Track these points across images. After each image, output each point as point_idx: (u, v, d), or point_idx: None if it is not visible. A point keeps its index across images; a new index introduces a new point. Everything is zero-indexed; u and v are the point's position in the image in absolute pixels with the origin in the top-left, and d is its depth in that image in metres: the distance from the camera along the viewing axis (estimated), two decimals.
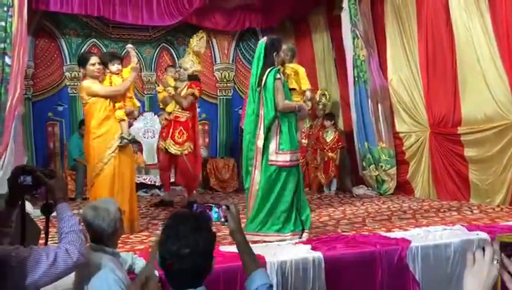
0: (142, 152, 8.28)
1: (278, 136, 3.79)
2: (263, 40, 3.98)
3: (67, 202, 1.92)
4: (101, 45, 8.44)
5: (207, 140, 9.21)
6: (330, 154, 7.53)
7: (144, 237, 4.17)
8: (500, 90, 5.54)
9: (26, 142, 7.43)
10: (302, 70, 5.81)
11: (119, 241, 2.62)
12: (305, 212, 3.88)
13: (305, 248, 3.42)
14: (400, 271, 3.42)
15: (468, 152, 5.97)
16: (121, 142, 4.31)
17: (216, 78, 9.29)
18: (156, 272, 2.67)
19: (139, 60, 6.31)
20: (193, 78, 6.13)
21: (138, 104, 5.15)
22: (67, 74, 8.24)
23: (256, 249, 3.04)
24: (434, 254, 3.55)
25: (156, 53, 8.89)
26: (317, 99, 8.00)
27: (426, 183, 6.67)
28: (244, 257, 2.00)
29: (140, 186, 7.40)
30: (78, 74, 7.72)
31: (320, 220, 4.98)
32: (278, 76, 3.83)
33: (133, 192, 4.50)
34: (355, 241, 3.63)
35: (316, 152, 7.78)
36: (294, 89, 5.31)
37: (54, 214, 1.90)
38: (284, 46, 4.13)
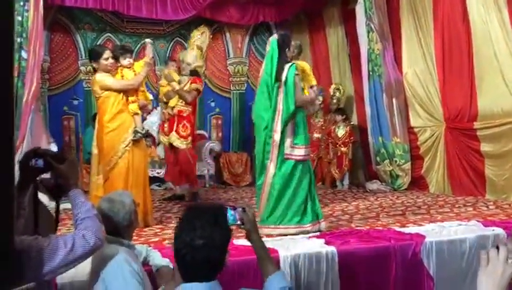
0: (155, 146, 8.33)
1: (293, 131, 3.90)
2: (274, 37, 4.08)
3: (79, 188, 1.90)
4: (116, 39, 8.49)
5: (220, 134, 9.23)
6: (343, 148, 7.50)
7: (158, 230, 4.21)
8: None
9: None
10: (308, 67, 5.83)
11: (133, 234, 2.64)
12: (316, 204, 4.01)
13: (318, 242, 3.41)
14: (414, 266, 3.40)
15: (484, 147, 5.89)
16: (134, 136, 4.33)
17: (229, 72, 9.29)
18: (171, 264, 2.70)
19: (153, 56, 6.31)
20: (194, 73, 6.14)
21: (151, 97, 5.18)
22: (82, 68, 8.31)
23: (270, 243, 3.06)
24: (449, 249, 3.52)
25: (169, 47, 8.92)
26: (331, 93, 7.98)
27: (441, 178, 6.61)
28: (261, 260, 1.98)
29: (154, 180, 7.45)
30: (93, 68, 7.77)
31: (334, 215, 4.97)
32: (296, 72, 3.95)
33: (147, 186, 4.52)
34: (369, 236, 3.61)
35: (328, 147, 7.75)
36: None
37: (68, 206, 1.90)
38: (292, 43, 4.21)
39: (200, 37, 6.16)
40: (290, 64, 3.94)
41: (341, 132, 7.58)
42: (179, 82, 6.07)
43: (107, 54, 4.38)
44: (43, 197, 1.96)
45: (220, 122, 9.25)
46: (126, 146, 4.29)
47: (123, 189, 3.91)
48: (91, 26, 8.41)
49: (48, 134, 6.76)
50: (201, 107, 8.77)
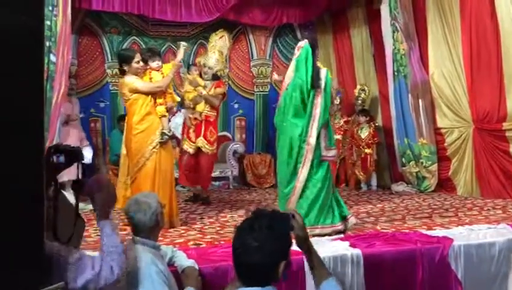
0: (180, 147, 8.36)
1: (326, 133, 4.02)
2: (306, 42, 4.08)
3: (111, 220, 1.90)
4: (141, 42, 8.61)
5: (244, 136, 9.24)
6: (367, 150, 7.42)
7: (183, 231, 4.24)
8: None
9: None
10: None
11: (159, 235, 2.67)
12: (341, 203, 4.14)
13: (343, 244, 3.39)
14: (441, 270, 3.34)
15: None
16: (162, 138, 4.38)
17: (253, 74, 9.30)
18: (196, 265, 2.72)
19: (183, 60, 6.30)
20: (216, 77, 6.16)
21: (178, 99, 5.22)
22: (108, 71, 8.44)
23: (292, 246, 3.04)
24: (477, 253, 3.45)
25: (193, 49, 8.99)
26: (356, 94, 7.91)
27: (469, 180, 6.47)
28: (313, 266, 1.94)
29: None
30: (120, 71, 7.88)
31: (359, 217, 4.91)
32: (330, 76, 4.08)
33: (173, 187, 4.56)
34: (395, 238, 3.56)
35: (352, 148, 7.69)
36: None
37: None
38: None
39: (218, 41, 6.18)
40: (325, 70, 4.05)
41: (364, 133, 7.50)
42: (204, 87, 6.10)
43: (138, 57, 4.44)
44: (69, 197, 1.98)
45: (243, 123, 9.27)
46: (153, 148, 4.34)
47: (150, 190, 3.97)
48: (117, 29, 8.54)
49: (83, 136, 6.93)
50: (225, 109, 8.80)
